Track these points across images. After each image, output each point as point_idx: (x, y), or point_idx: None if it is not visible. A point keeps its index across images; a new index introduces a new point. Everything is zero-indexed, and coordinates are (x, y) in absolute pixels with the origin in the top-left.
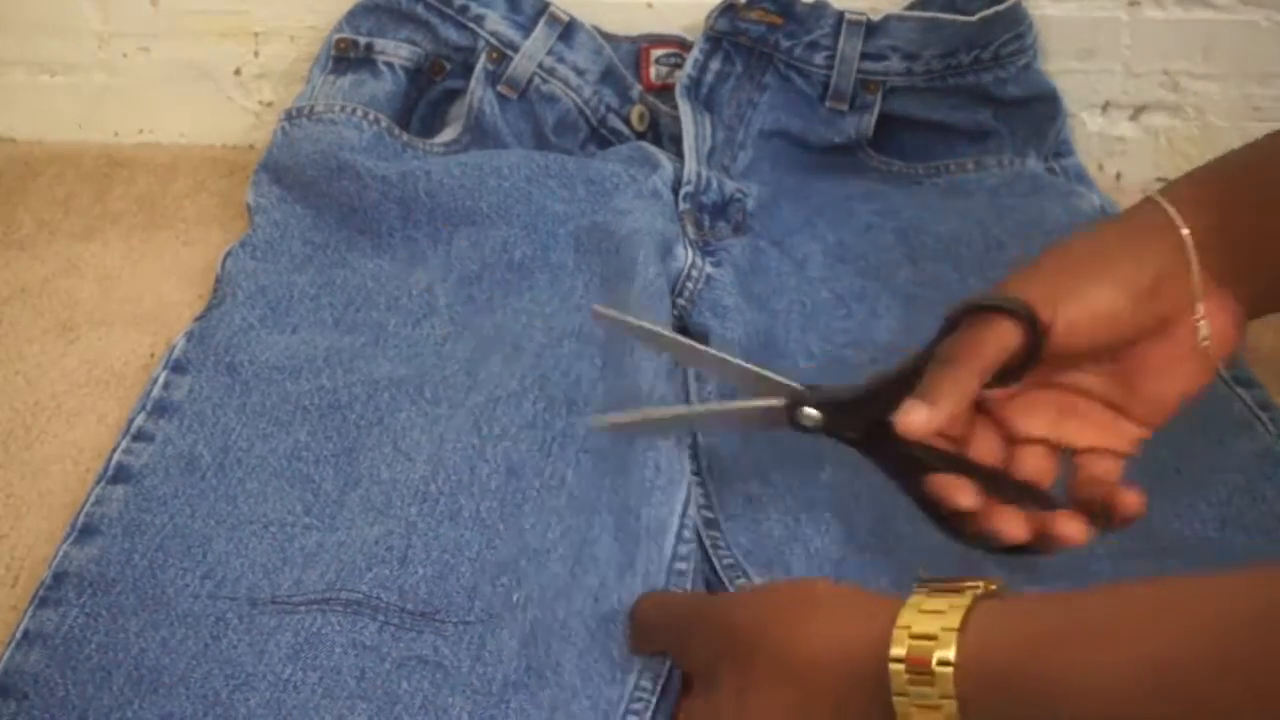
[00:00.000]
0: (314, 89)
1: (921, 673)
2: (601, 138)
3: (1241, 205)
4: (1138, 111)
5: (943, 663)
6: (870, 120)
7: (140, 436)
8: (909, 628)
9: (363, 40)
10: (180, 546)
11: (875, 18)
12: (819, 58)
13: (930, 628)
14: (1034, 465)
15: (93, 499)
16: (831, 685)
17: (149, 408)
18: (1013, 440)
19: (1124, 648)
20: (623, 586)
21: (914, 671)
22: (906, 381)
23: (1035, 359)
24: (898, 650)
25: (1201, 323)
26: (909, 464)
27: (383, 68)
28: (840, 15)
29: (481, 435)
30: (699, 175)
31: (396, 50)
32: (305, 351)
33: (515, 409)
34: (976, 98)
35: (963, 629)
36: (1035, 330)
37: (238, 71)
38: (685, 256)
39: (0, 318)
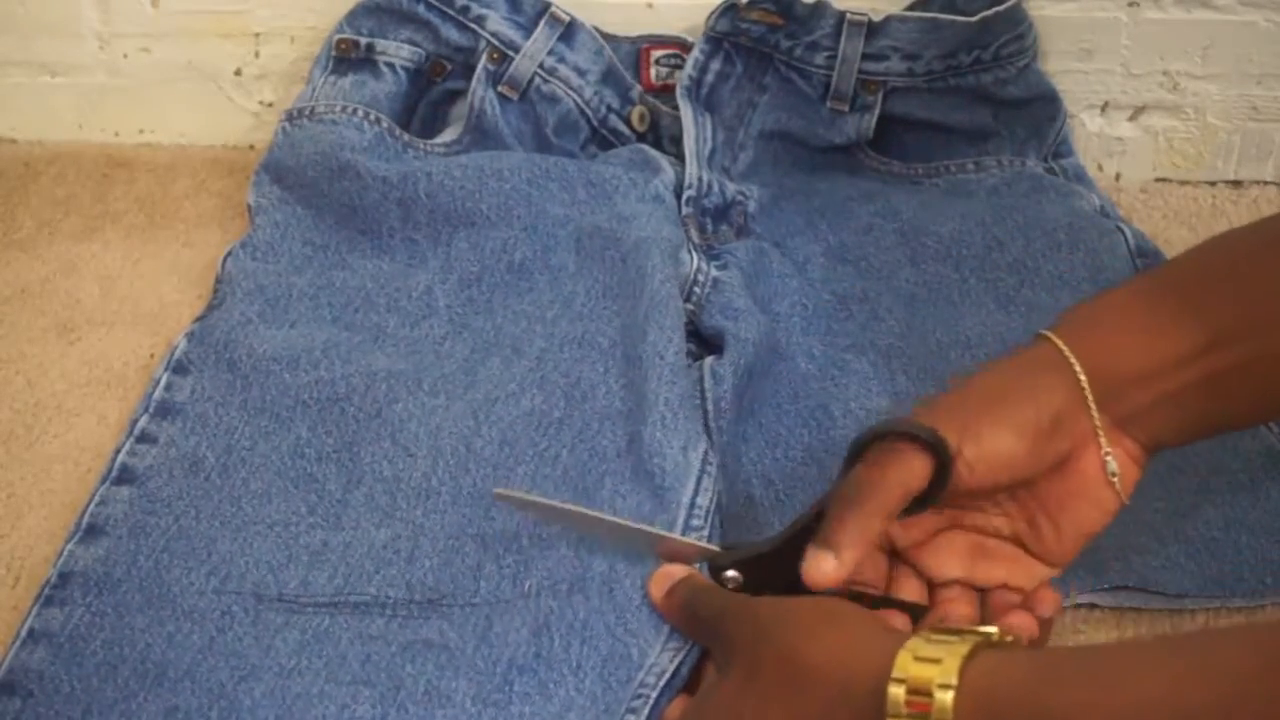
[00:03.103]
0: (314, 89)
1: (920, 693)
2: (602, 138)
3: (1126, 347)
4: (1137, 112)
5: (944, 686)
6: (871, 121)
7: (144, 438)
8: (915, 651)
9: (363, 41)
10: (185, 547)
11: (876, 18)
12: (820, 58)
13: (937, 654)
14: (955, 609)
15: (97, 499)
16: (827, 698)
17: (151, 409)
18: (930, 584)
19: (1131, 689)
20: (634, 573)
21: (914, 692)
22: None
23: (942, 488)
24: (900, 672)
25: (1109, 457)
26: None
27: (384, 68)
28: (841, 16)
29: (478, 419)
30: (700, 179)
31: (397, 51)
32: (303, 344)
33: (514, 404)
34: (976, 98)
35: (969, 659)
36: (943, 459)
37: (238, 72)
38: (691, 261)
39: (0, 318)
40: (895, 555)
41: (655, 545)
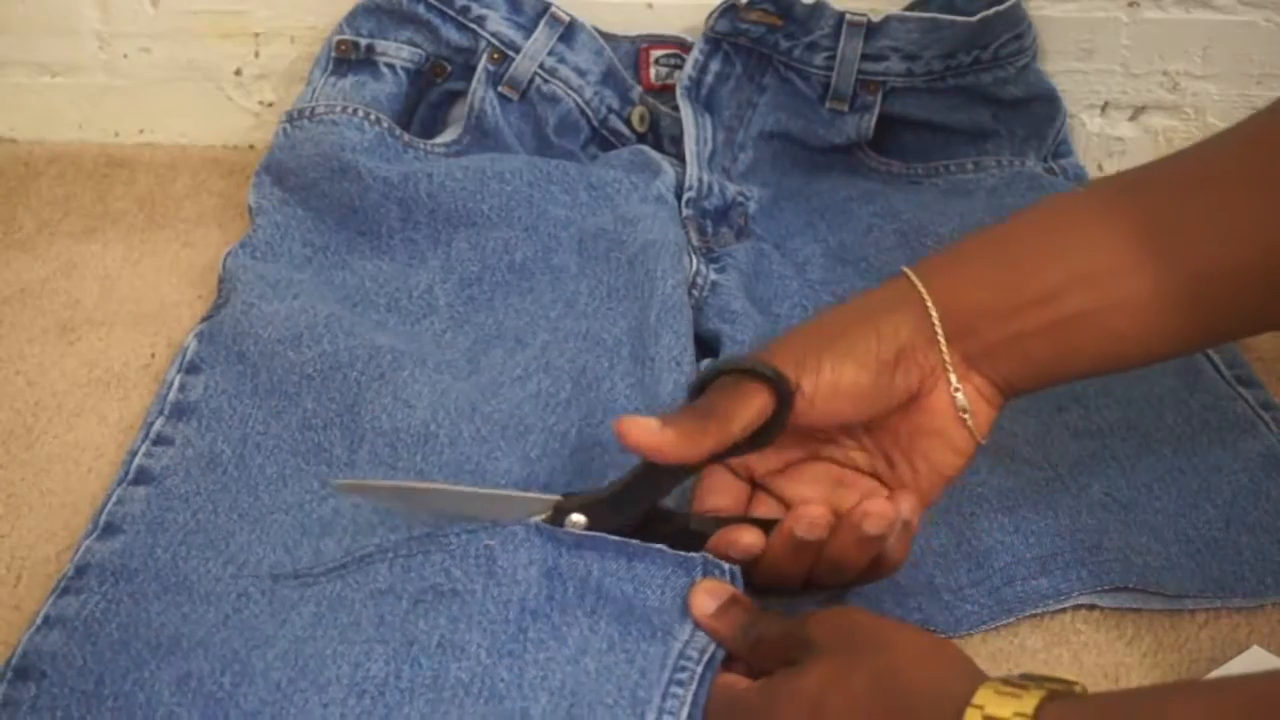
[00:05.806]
0: (314, 90)
1: None
2: (602, 139)
3: (983, 284)
4: (1137, 112)
5: (1019, 714)
6: (870, 121)
7: (160, 440)
8: (995, 688)
9: (363, 41)
10: (203, 539)
11: (875, 18)
12: (819, 59)
13: (1016, 693)
14: (810, 510)
15: (114, 499)
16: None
17: (166, 411)
18: (790, 507)
19: None
20: (651, 553)
21: None
22: (659, 468)
23: (781, 426)
24: (979, 700)
25: (958, 393)
26: (690, 540)
27: (384, 69)
28: (841, 16)
29: (484, 394)
30: (701, 181)
31: (398, 51)
32: (305, 319)
33: (520, 387)
34: (976, 98)
35: (1046, 701)
36: (783, 393)
37: (238, 72)
38: (691, 264)
39: (0, 318)
40: (755, 485)
41: (505, 506)
